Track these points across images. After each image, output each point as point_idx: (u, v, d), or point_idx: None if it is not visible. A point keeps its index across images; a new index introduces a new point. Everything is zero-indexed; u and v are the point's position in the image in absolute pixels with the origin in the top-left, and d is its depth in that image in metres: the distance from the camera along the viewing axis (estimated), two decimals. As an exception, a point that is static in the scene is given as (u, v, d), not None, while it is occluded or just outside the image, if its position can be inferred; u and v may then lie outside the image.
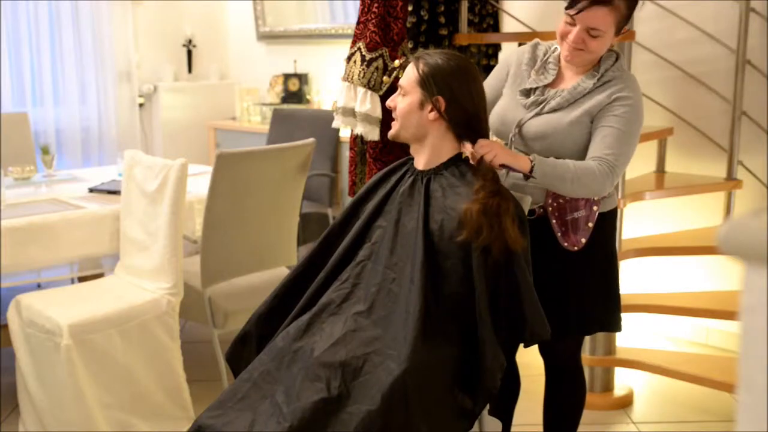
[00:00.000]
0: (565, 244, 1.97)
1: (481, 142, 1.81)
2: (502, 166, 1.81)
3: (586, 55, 1.92)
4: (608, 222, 2.05)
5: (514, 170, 1.84)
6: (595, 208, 1.97)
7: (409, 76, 1.82)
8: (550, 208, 1.97)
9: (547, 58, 2.01)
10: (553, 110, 1.94)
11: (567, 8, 1.89)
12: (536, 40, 2.08)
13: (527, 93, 2.00)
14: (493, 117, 2.04)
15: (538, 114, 1.95)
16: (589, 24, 1.85)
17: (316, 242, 1.96)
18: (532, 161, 1.84)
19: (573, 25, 1.89)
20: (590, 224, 1.97)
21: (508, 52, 2.14)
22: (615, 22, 1.88)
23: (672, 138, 3.30)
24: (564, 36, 1.92)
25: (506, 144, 2.01)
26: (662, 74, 3.27)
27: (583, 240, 1.97)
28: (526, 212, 1.91)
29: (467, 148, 1.82)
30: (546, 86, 1.99)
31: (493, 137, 2.04)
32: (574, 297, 2.01)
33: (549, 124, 1.93)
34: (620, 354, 2.97)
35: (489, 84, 2.10)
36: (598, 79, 1.92)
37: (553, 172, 1.84)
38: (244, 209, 2.76)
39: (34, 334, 2.48)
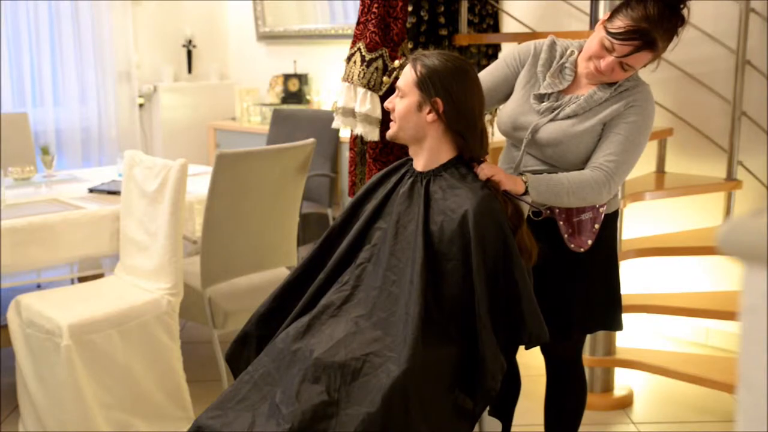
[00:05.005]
0: (572, 245, 1.97)
1: (483, 167, 1.81)
2: (504, 192, 1.81)
3: (605, 79, 1.90)
4: (612, 223, 2.05)
5: (514, 196, 1.84)
6: (601, 210, 1.98)
7: (407, 77, 1.81)
8: (558, 210, 1.96)
9: (564, 62, 1.96)
10: (568, 117, 1.92)
11: (612, 34, 1.82)
12: (551, 37, 2.03)
13: (541, 98, 1.96)
14: (504, 119, 2.02)
15: (552, 120, 1.93)
16: (628, 61, 1.83)
17: (316, 243, 1.96)
18: (525, 182, 1.84)
19: (610, 51, 1.83)
20: (597, 226, 1.97)
21: (520, 45, 2.09)
22: (649, 61, 1.87)
23: (672, 138, 3.30)
24: (594, 56, 1.87)
25: (518, 148, 2.01)
26: (662, 74, 3.26)
27: (590, 242, 1.97)
28: (527, 214, 1.92)
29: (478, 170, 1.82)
30: (560, 92, 1.96)
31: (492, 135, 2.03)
32: (578, 297, 2.02)
33: (563, 131, 1.91)
34: (620, 354, 2.97)
35: (495, 72, 2.06)
36: (615, 89, 1.90)
37: (548, 190, 1.85)
38: (244, 209, 2.76)
39: (34, 334, 2.48)
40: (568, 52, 1.97)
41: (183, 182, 2.59)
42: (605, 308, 2.07)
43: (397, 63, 2.52)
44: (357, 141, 2.67)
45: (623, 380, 3.06)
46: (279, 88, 5.03)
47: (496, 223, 1.72)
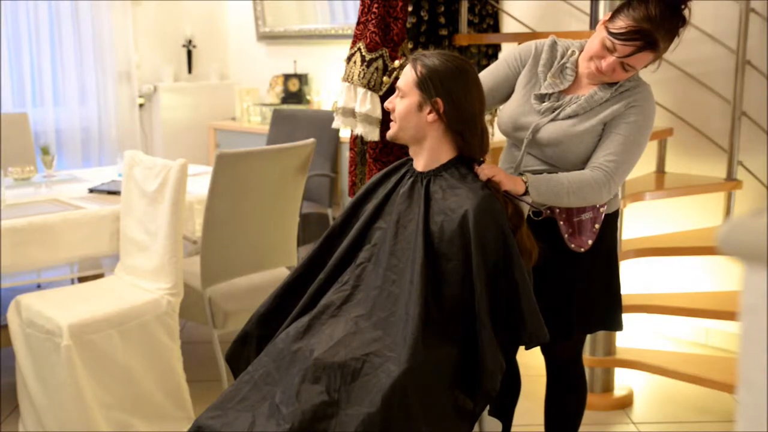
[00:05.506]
0: (572, 245, 1.97)
1: (483, 167, 1.81)
2: (505, 192, 1.81)
3: (606, 80, 1.90)
4: (612, 223, 2.05)
5: (515, 197, 1.84)
6: (601, 209, 1.98)
7: (407, 77, 1.81)
8: (558, 210, 1.96)
9: (565, 62, 1.96)
10: (568, 117, 1.92)
11: (613, 35, 1.82)
12: (552, 37, 2.03)
13: (542, 98, 1.96)
14: (505, 119, 2.02)
15: (552, 120, 1.93)
16: (630, 61, 1.83)
17: (316, 243, 1.96)
18: (525, 182, 1.84)
19: (611, 51, 1.84)
20: (597, 225, 1.97)
21: (521, 45, 2.09)
22: (651, 61, 1.87)
23: (672, 138, 3.30)
24: (595, 56, 1.87)
25: (519, 148, 2.00)
26: (662, 74, 3.25)
27: (590, 242, 1.97)
28: (527, 214, 1.91)
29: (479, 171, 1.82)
30: (561, 92, 1.96)
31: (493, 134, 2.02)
32: (578, 297, 2.02)
33: (563, 132, 1.91)
34: (620, 354, 2.97)
35: (496, 72, 2.06)
36: (616, 89, 1.90)
37: (548, 190, 1.85)
38: (244, 209, 2.76)
39: (34, 334, 2.48)
40: (569, 52, 1.97)
41: (183, 182, 2.59)
42: (605, 308, 2.07)
43: (397, 63, 2.52)
44: (357, 141, 2.67)
45: (623, 380, 3.06)
46: (279, 88, 5.03)
47: (496, 223, 1.72)
